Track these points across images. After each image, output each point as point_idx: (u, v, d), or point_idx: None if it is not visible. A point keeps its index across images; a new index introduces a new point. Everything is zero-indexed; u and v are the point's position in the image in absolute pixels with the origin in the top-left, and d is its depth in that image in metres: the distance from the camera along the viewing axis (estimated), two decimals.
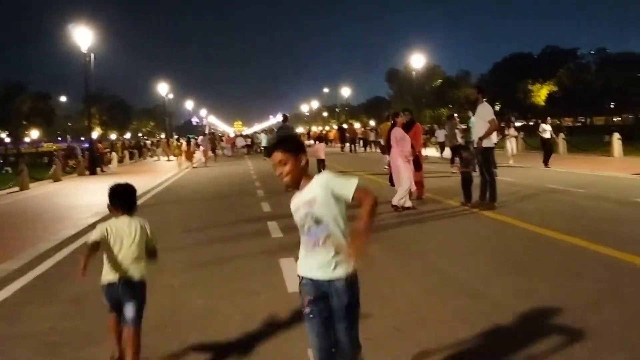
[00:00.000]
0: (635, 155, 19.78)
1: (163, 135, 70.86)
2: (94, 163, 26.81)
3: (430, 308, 4.77)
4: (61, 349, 4.35)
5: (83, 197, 16.03)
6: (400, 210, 9.83)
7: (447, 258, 6.51)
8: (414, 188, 10.38)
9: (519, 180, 13.69)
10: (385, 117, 22.25)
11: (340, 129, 47.01)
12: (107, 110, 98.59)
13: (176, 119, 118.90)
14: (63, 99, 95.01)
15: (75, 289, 6.01)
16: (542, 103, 73.26)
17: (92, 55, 27.41)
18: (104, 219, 8.87)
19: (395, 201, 9.95)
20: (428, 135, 29.25)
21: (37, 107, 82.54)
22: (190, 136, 43.81)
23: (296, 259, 6.71)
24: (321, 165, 20.35)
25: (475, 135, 9.80)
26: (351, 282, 2.85)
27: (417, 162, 10.94)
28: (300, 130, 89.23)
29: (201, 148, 32.56)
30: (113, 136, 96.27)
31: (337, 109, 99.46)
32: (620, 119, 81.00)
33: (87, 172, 26.19)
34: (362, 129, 47.64)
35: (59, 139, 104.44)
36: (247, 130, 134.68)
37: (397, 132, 10.23)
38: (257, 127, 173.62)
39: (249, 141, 48.40)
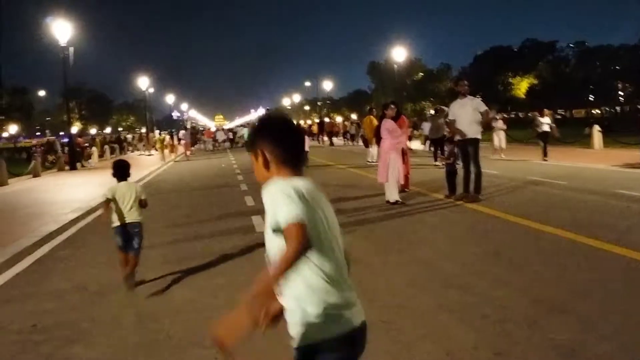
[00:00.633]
0: (615, 147, 20.00)
1: (144, 130, 70.26)
2: (74, 158, 26.47)
3: (416, 300, 4.77)
4: (43, 346, 4.27)
5: (63, 192, 15.80)
6: (395, 204, 9.80)
7: (432, 250, 6.51)
8: (402, 181, 10.38)
9: (502, 173, 13.77)
10: (368, 111, 22.23)
11: (320, 123, 48.24)
12: (86, 104, 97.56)
13: (157, 114, 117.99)
14: (42, 93, 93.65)
15: (57, 286, 5.93)
16: (523, 96, 73.90)
17: (71, 49, 26.98)
18: (85, 215, 8.90)
19: (392, 197, 9.91)
20: (413, 128, 29.24)
21: (14, 101, 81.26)
22: (172, 130, 43.70)
23: None
24: (304, 155, 20.61)
25: (463, 127, 9.77)
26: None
27: (403, 155, 10.92)
28: None
29: (182, 142, 32.41)
30: (93, 131, 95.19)
31: (318, 103, 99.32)
32: (599, 111, 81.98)
33: (67, 167, 25.85)
34: (342, 123, 48.53)
35: (38, 134, 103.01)
36: (229, 124, 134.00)
37: (389, 123, 10.17)
38: (239, 120, 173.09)
39: (230, 135, 48.30)
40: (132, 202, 5.61)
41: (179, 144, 34.82)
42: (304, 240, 1.81)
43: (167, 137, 34.58)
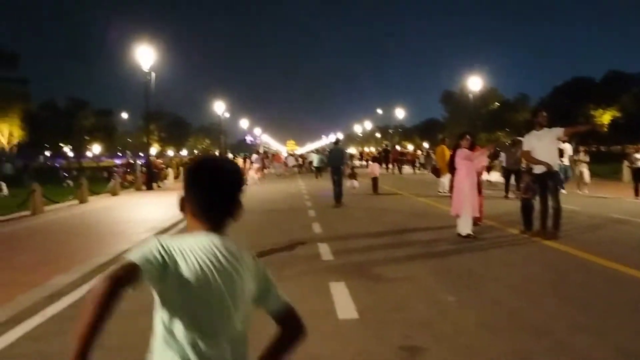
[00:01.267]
0: None
1: (217, 153, 72.18)
2: (151, 178, 27.40)
3: (488, 343, 4.47)
4: None
5: (138, 211, 16.30)
6: (467, 238, 9.46)
7: (505, 289, 6.17)
8: (477, 213, 10.02)
9: (582, 209, 13.08)
10: (440, 140, 21.82)
11: (385, 151, 49.21)
12: (165, 127, 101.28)
13: (231, 137, 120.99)
14: (124, 115, 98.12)
15: (125, 305, 5.98)
16: (605, 129, 70.84)
17: (153, 74, 28.17)
18: (159, 234, 8.78)
19: (464, 230, 9.59)
20: (492, 158, 28.22)
21: (99, 123, 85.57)
22: (245, 154, 44.82)
23: (347, 283, 6.53)
24: (375, 182, 20.59)
25: (544, 159, 9.32)
26: None
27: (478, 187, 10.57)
28: (352, 150, 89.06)
29: (255, 166, 33.00)
30: (170, 152, 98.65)
31: (390, 130, 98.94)
32: None
33: (143, 187, 26.77)
34: (412, 151, 49.08)
35: (119, 154, 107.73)
36: (300, 150, 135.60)
37: (464, 153, 9.89)
38: (310, 146, 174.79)
39: (300, 161, 49.15)
40: None
41: (250, 167, 35.48)
42: (119, 273, 1.46)
43: (241, 161, 35.42)
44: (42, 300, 6.32)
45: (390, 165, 42.52)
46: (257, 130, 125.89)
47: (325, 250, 8.76)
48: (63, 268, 8.07)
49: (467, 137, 10.15)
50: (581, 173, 18.08)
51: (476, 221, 10.37)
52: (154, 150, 70.82)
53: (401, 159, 43.25)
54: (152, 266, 1.54)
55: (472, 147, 10.34)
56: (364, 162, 49.06)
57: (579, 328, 4.75)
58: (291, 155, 62.43)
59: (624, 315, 5.11)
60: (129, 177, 31.00)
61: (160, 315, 1.62)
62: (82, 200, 19.59)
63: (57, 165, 72.70)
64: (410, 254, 8.34)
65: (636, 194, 15.84)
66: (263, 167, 37.91)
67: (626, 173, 23.28)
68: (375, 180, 20.95)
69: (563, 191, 17.43)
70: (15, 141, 67.33)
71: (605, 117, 72.29)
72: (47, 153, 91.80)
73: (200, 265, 1.63)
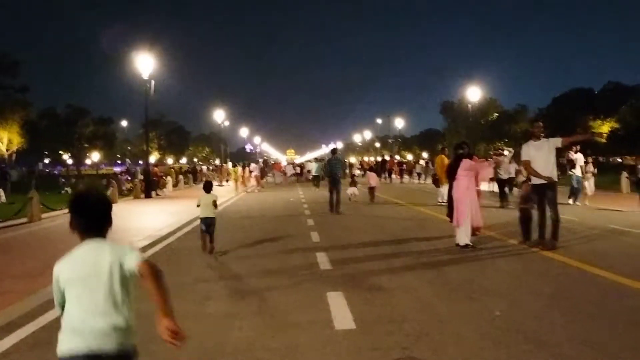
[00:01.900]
0: None
1: (218, 161, 72.23)
2: (150, 186, 27.35)
3: (487, 355, 4.42)
4: None
5: (136, 219, 16.24)
6: (465, 248, 9.42)
7: (505, 300, 6.12)
8: (479, 223, 9.97)
9: (581, 220, 13.04)
10: (440, 150, 21.84)
11: (382, 161, 50.14)
12: (165, 135, 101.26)
13: (231, 146, 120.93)
14: (124, 123, 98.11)
15: None
16: (604, 140, 70.89)
17: (153, 82, 28.19)
18: (154, 243, 8.98)
19: (462, 241, 9.55)
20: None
21: (99, 130, 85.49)
22: (244, 162, 44.93)
23: (345, 293, 6.48)
24: (372, 191, 20.86)
25: (543, 169, 9.31)
26: None
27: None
28: (352, 160, 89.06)
29: (253, 174, 33.04)
30: (170, 161, 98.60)
31: (389, 140, 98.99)
32: None
33: (142, 195, 26.72)
34: (411, 161, 50.23)
35: (119, 162, 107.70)
36: (300, 158, 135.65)
37: (468, 163, 9.86)
38: (310, 155, 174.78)
39: (298, 169, 49.23)
40: (209, 205, 9.59)
41: (250, 176, 35.55)
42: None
43: (240, 169, 35.55)
44: (37, 308, 6.28)
45: (386, 175, 43.18)
46: (257, 139, 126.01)
47: (323, 260, 8.72)
48: None
49: (464, 146, 10.15)
50: (585, 185, 17.74)
51: (475, 231, 10.32)
52: (153, 158, 70.87)
53: (400, 168, 43.89)
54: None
55: (469, 157, 10.33)
56: (364, 172, 49.57)
57: (579, 340, 4.70)
58: (290, 164, 62.54)
59: (624, 327, 5.06)
60: (128, 185, 30.98)
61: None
62: None
63: (56, 173, 72.72)
64: (408, 264, 8.30)
65: None
66: (262, 175, 37.96)
67: (624, 184, 23.29)
68: (372, 189, 21.40)
69: (577, 203, 17.34)
70: (14, 148, 67.23)
71: (604, 128, 72.35)
72: (46, 160, 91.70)
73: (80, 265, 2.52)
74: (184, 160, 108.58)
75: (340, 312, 5.72)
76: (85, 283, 2.46)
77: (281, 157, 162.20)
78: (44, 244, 11.68)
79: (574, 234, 10.70)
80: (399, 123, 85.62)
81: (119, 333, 2.42)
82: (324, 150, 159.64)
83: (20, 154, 71.36)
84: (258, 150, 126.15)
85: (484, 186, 22.47)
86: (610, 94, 74.61)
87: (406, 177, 42.86)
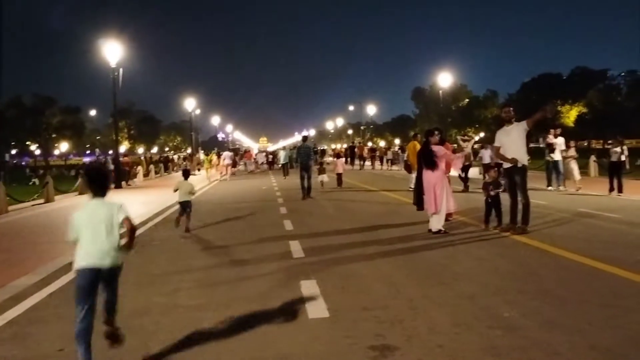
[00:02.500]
0: None
1: (189, 150, 71.49)
2: (119, 177, 26.93)
3: (460, 341, 4.42)
4: None
5: None
6: (438, 234, 9.45)
7: (477, 285, 6.14)
8: (452, 209, 10.01)
9: (549, 204, 13.21)
10: (412, 136, 21.91)
11: (351, 148, 51.51)
12: (135, 124, 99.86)
13: (203, 134, 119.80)
14: (93, 112, 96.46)
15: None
16: (572, 124, 72.13)
17: (121, 70, 27.65)
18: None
19: (435, 226, 9.58)
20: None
21: (66, 120, 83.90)
22: (218, 151, 44.58)
23: (318, 281, 6.44)
24: (339, 177, 21.29)
25: (513, 154, 9.38)
26: None
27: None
28: (325, 147, 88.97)
29: (225, 162, 32.81)
30: (140, 150, 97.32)
31: (362, 127, 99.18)
32: None
33: (112, 186, 26.30)
34: (382, 148, 51.67)
35: (88, 152, 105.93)
36: (273, 146, 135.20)
37: (439, 149, 9.87)
38: (283, 143, 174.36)
39: (270, 157, 48.96)
40: (187, 191, 11.03)
41: (222, 164, 35.35)
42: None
43: (215, 157, 35.31)
44: (3, 303, 6.11)
45: (357, 161, 43.88)
46: (229, 127, 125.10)
47: (296, 248, 8.67)
48: (28, 269, 7.84)
49: (436, 132, 10.14)
50: (571, 169, 17.19)
51: (447, 217, 10.37)
52: (123, 148, 69.81)
53: (372, 155, 44.21)
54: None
55: (441, 143, 10.34)
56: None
57: (551, 324, 4.73)
58: (262, 152, 62.21)
59: (596, 310, 5.10)
60: None
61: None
62: (48, 200, 19.14)
63: (23, 164, 71.23)
64: (381, 250, 8.29)
65: (612, 189, 15.33)
66: (234, 164, 37.70)
67: (593, 168, 23.68)
68: (339, 175, 22.08)
69: (561, 187, 17.20)
70: None
71: (572, 113, 73.60)
72: (13, 151, 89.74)
73: (90, 212, 4.07)
74: (155, 150, 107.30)
75: (314, 300, 5.67)
76: (93, 225, 4.01)
77: (254, 145, 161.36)
78: (9, 237, 11.40)
79: (543, 218, 10.82)
80: (371, 110, 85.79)
81: (112, 255, 4.00)
82: (297, 137, 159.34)
83: None
84: (230, 138, 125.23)
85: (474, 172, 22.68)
86: (577, 79, 75.87)
87: (377, 164, 43.03)
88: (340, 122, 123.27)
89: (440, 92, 55.87)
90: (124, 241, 4.08)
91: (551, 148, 17.32)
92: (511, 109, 9.99)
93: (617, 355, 4.04)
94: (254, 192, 21.43)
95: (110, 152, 68.67)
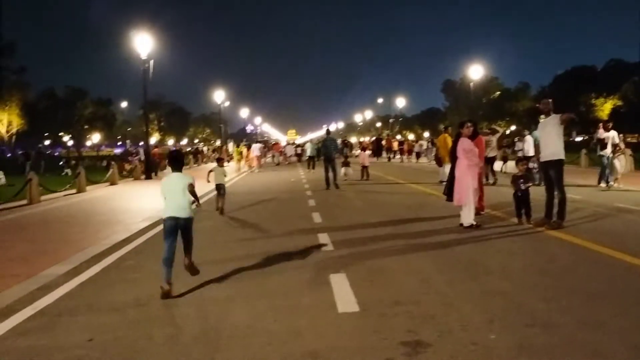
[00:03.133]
0: None
1: (219, 142, 71.98)
2: (149, 168, 27.21)
3: (494, 338, 4.28)
4: None
5: (136, 201, 16.13)
6: (469, 228, 9.26)
7: (511, 281, 5.97)
8: (480, 203, 9.82)
9: (585, 198, 12.88)
10: (443, 129, 21.62)
11: (377, 140, 51.19)
12: (165, 116, 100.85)
13: (231, 127, 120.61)
14: (124, 104, 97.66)
15: (118, 298, 5.82)
16: (606, 118, 70.47)
17: (152, 62, 27.88)
18: (155, 224, 9.36)
19: (467, 221, 9.39)
20: (507, 147, 27.72)
21: (98, 112, 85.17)
22: (247, 143, 44.70)
23: (348, 275, 6.34)
24: (364, 170, 21.19)
25: (547, 148, 9.15)
26: None
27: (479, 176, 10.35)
28: (353, 140, 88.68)
29: (254, 154, 32.90)
30: (170, 142, 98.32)
31: (390, 120, 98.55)
32: None
33: (142, 177, 26.59)
34: (410, 141, 51.10)
35: (119, 143, 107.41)
36: (301, 138, 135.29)
37: (466, 143, 9.63)
38: (311, 135, 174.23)
39: (299, 150, 48.80)
40: (221, 174, 12.60)
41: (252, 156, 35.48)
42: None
43: (245, 149, 35.34)
44: (35, 292, 6.16)
45: (384, 154, 43.25)
46: (258, 119, 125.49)
47: (325, 241, 8.59)
48: (59, 258, 7.91)
49: (469, 124, 9.92)
50: (614, 164, 15.80)
51: (478, 211, 10.18)
52: (153, 139, 70.62)
53: (400, 148, 44.03)
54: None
55: (474, 136, 10.13)
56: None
57: (590, 322, 4.56)
58: (290, 144, 62.20)
59: (633, 308, 4.92)
60: (128, 167, 30.82)
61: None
62: (80, 190, 19.42)
63: (56, 154, 72.55)
64: (412, 244, 8.16)
65: None
66: (262, 155, 37.76)
67: (629, 162, 23.04)
68: (364, 168, 22.00)
69: (611, 183, 16.08)
70: (14, 130, 66.98)
71: (606, 106, 71.97)
72: (47, 142, 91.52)
73: (170, 180, 6.06)
74: (184, 142, 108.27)
75: (344, 294, 5.59)
76: (173, 189, 5.91)
77: (282, 137, 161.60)
78: (42, 227, 11.56)
79: (578, 213, 10.54)
80: (400, 102, 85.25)
81: (186, 209, 5.87)
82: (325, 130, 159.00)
83: (21, 136, 71.19)
84: (258, 130, 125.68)
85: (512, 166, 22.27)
86: (612, 71, 74.05)
87: (405, 157, 42.66)
88: (369, 114, 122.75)
89: (471, 84, 55.12)
90: (193, 200, 5.97)
91: (603, 143, 16.06)
92: (550, 100, 9.69)
93: None
94: (282, 185, 21.43)
95: (141, 143, 69.66)
